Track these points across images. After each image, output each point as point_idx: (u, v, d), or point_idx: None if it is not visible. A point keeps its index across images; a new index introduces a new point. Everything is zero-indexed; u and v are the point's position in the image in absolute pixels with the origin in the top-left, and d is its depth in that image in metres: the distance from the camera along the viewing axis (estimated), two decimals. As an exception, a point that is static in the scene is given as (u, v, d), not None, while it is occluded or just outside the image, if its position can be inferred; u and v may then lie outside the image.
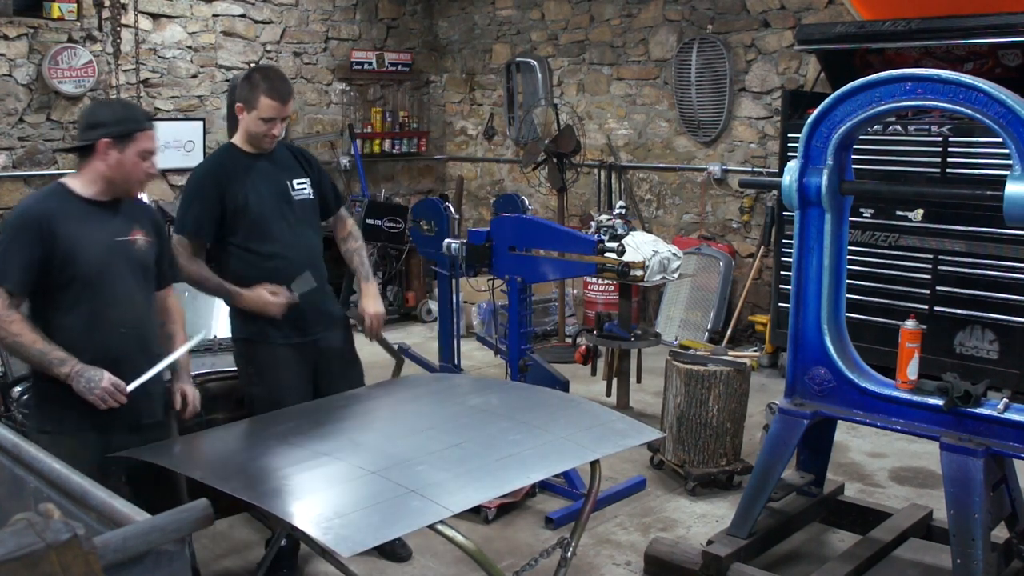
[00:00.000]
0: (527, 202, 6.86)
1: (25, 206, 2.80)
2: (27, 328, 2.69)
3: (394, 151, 9.28)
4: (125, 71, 7.24)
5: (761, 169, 7.15)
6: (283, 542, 3.58)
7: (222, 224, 3.37)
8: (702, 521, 4.20)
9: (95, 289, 2.77)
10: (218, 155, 3.52)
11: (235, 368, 3.61)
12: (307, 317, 3.45)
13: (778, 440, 3.51)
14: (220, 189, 3.34)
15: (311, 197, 3.53)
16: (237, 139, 3.47)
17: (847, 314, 3.52)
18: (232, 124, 8.09)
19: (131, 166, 2.82)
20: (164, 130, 7.68)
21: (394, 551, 3.74)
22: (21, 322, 2.69)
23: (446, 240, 4.98)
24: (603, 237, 4.96)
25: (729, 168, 7.42)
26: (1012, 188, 2.87)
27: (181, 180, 7.93)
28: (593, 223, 6.17)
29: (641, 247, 5.49)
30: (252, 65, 3.73)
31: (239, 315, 3.46)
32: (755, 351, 6.73)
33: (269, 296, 3.32)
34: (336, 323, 3.64)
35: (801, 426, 3.45)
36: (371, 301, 3.61)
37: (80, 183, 2.86)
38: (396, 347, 4.20)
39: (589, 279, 7.17)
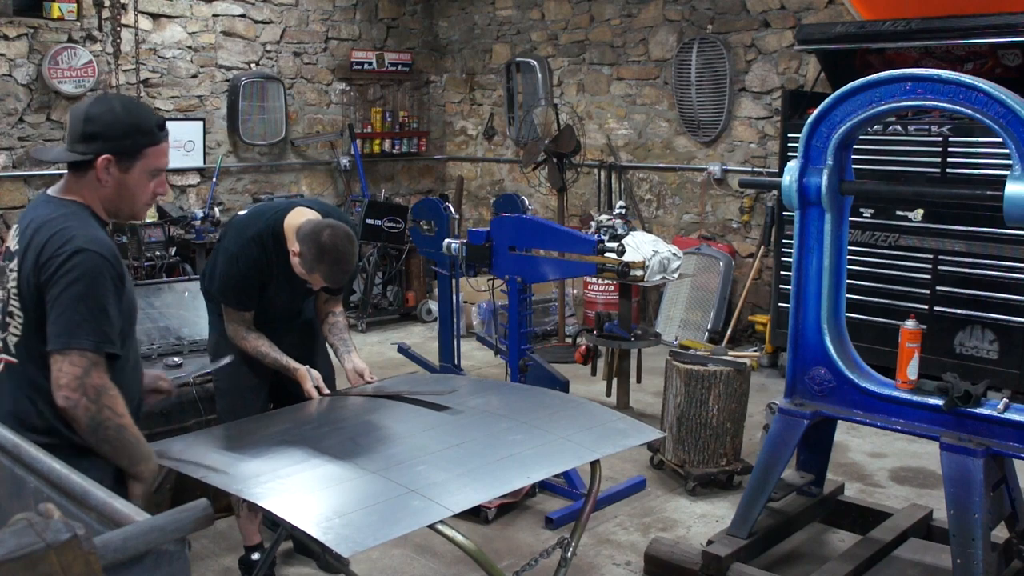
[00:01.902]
0: (527, 202, 6.87)
1: (99, 239, 2.24)
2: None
3: (394, 151, 9.28)
4: (125, 71, 7.24)
5: (761, 169, 7.15)
6: (255, 555, 3.59)
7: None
8: (702, 521, 4.20)
9: None
10: (263, 243, 3.28)
11: (210, 368, 3.58)
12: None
13: (778, 440, 3.51)
14: (262, 279, 3.30)
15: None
16: (287, 233, 3.26)
17: (847, 314, 3.52)
18: (233, 124, 8.12)
19: (136, 188, 2.32)
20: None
21: (329, 564, 3.72)
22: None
23: (446, 240, 4.98)
24: (603, 237, 4.96)
25: (729, 168, 7.42)
26: (1012, 188, 2.87)
27: (181, 180, 7.95)
28: (593, 223, 6.17)
29: (641, 247, 5.49)
30: (322, 217, 3.35)
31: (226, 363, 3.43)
32: (755, 351, 6.73)
33: (312, 388, 3.27)
34: (329, 381, 3.59)
35: (801, 426, 3.45)
36: (357, 358, 3.52)
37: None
38: (396, 347, 4.20)
39: (589, 279, 7.17)
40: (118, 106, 2.32)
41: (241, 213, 3.50)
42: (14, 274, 2.26)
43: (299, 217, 3.21)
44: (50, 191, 2.35)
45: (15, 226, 2.37)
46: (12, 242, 2.31)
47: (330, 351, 3.60)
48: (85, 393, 2.16)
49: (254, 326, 3.36)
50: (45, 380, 2.21)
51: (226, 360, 3.26)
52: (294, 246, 3.13)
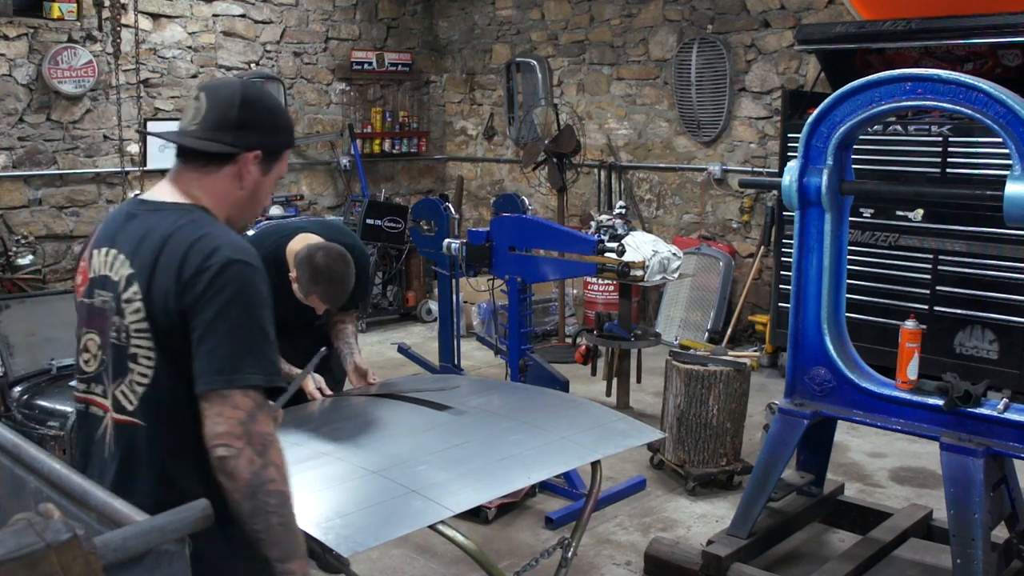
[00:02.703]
0: (527, 202, 6.87)
1: (246, 246, 1.83)
2: None
3: (394, 151, 9.28)
4: (125, 71, 7.25)
5: (761, 169, 7.15)
6: None
7: None
8: (702, 521, 4.20)
9: None
10: (273, 264, 3.21)
11: None
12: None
13: (778, 440, 3.51)
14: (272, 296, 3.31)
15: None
16: (288, 258, 3.25)
17: (847, 314, 3.52)
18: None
19: (266, 195, 1.98)
20: (164, 130, 7.72)
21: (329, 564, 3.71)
22: None
23: (446, 240, 4.98)
24: (603, 237, 4.96)
25: (729, 168, 7.42)
26: (1012, 188, 2.87)
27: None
28: (593, 223, 6.17)
29: (641, 247, 5.49)
30: (313, 238, 3.26)
31: None
32: (755, 351, 6.73)
33: (315, 390, 3.27)
34: (340, 384, 3.62)
35: (801, 426, 3.45)
36: (360, 359, 3.52)
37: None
38: (396, 347, 4.20)
39: (589, 279, 7.17)
40: (268, 95, 1.97)
41: (249, 232, 3.49)
42: (135, 304, 1.76)
43: (301, 243, 3.21)
44: (147, 196, 1.91)
45: (104, 249, 1.85)
46: (112, 267, 1.81)
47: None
48: (250, 442, 1.66)
49: None
50: (185, 440, 1.73)
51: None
52: (292, 271, 3.14)
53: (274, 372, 1.75)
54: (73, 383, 1.96)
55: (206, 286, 1.70)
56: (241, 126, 1.84)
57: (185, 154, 1.86)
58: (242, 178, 1.87)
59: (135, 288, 1.76)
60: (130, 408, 1.77)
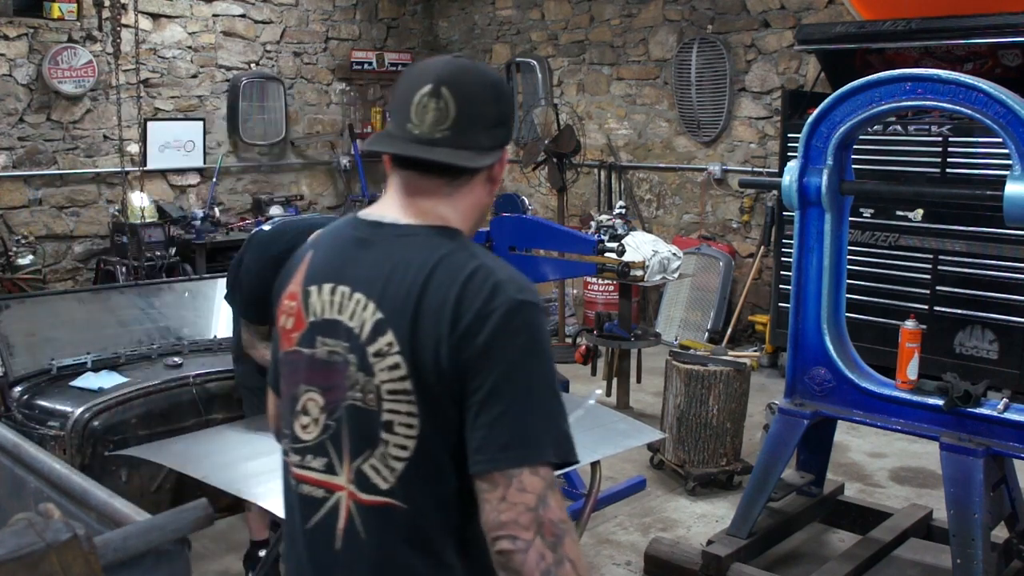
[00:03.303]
0: (527, 202, 6.87)
1: (525, 279, 1.45)
2: None
3: (394, 151, 9.27)
4: (125, 71, 7.23)
5: (761, 169, 7.15)
6: (261, 552, 3.60)
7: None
8: (702, 521, 4.19)
9: None
10: (281, 261, 3.34)
11: (234, 368, 3.62)
12: None
13: (778, 440, 3.51)
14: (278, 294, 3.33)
15: None
16: None
17: (847, 314, 3.52)
18: (233, 124, 8.12)
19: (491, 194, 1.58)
20: (164, 130, 7.73)
21: None
22: None
23: (446, 240, 4.97)
24: (603, 237, 4.97)
25: (729, 168, 7.42)
26: (1012, 188, 2.87)
27: (181, 180, 7.95)
28: (593, 223, 6.18)
29: (641, 247, 5.49)
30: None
31: (246, 363, 3.46)
32: (755, 351, 6.73)
33: None
34: None
35: (801, 426, 3.45)
36: None
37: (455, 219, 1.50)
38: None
39: (589, 279, 7.17)
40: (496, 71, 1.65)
41: (265, 228, 3.51)
42: (392, 359, 1.39)
43: None
44: (374, 216, 1.52)
45: (329, 287, 1.47)
46: (344, 309, 1.45)
47: None
48: (540, 532, 1.30)
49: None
50: (452, 525, 1.42)
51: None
52: None
53: (571, 447, 1.37)
54: (283, 437, 1.56)
55: (490, 336, 1.34)
56: (501, 123, 1.49)
57: (422, 164, 1.47)
58: (494, 182, 1.53)
59: (389, 339, 1.38)
60: (384, 487, 1.39)
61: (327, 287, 1.47)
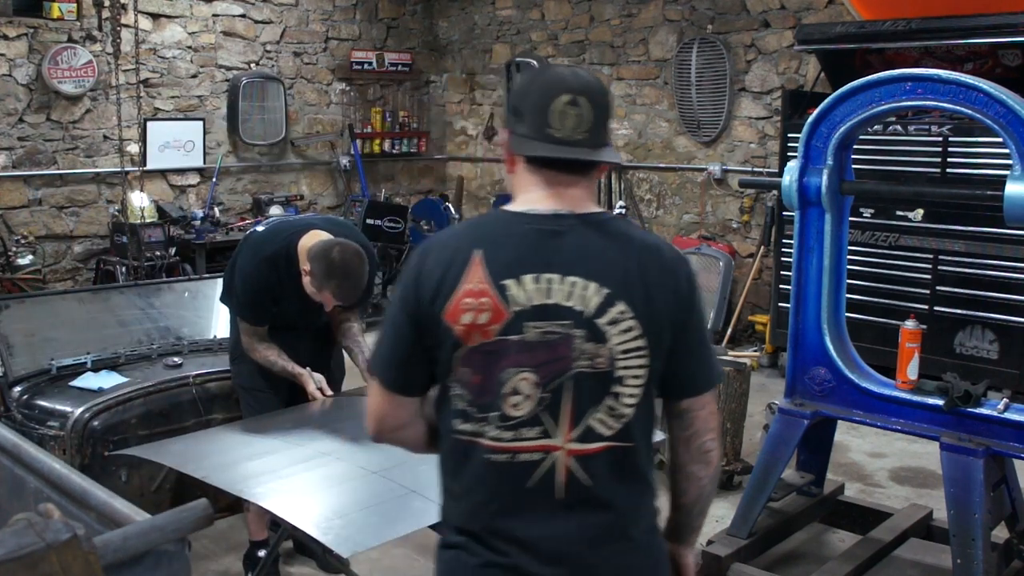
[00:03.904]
0: (527, 202, 6.86)
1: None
2: None
3: (394, 151, 9.28)
4: (125, 71, 7.23)
5: (761, 169, 7.15)
6: (261, 552, 3.60)
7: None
8: (702, 521, 4.19)
9: None
10: (275, 264, 3.29)
11: (231, 368, 3.62)
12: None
13: (778, 440, 3.51)
14: (275, 298, 3.32)
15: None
16: (300, 254, 3.27)
17: (847, 314, 3.52)
18: (233, 124, 8.12)
19: None
20: (164, 130, 7.73)
21: (329, 563, 3.71)
22: None
23: (446, 240, 4.97)
24: (603, 237, 4.96)
25: (729, 168, 7.42)
26: (1012, 188, 2.87)
27: (180, 180, 7.95)
28: (593, 223, 6.18)
29: (641, 247, 5.48)
30: (330, 238, 3.19)
31: (243, 363, 3.47)
32: (755, 351, 6.73)
33: (316, 390, 3.30)
34: (338, 384, 3.63)
35: (801, 426, 3.45)
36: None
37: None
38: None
39: (589, 279, 7.16)
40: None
41: (259, 229, 3.51)
42: (625, 323, 1.65)
43: (313, 239, 3.22)
44: (539, 210, 1.69)
45: (535, 276, 1.64)
46: (559, 293, 1.64)
47: (344, 354, 3.63)
48: (718, 434, 1.85)
49: (272, 329, 3.39)
50: (650, 452, 1.79)
51: None
52: (305, 265, 3.15)
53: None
54: (458, 423, 1.68)
55: (690, 293, 1.75)
56: (610, 122, 1.76)
57: (565, 162, 1.68)
58: (602, 170, 1.82)
59: (621, 307, 1.64)
60: (608, 434, 1.66)
61: (528, 278, 1.64)
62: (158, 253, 6.68)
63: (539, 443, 1.65)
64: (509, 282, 1.63)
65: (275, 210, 7.81)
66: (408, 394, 1.74)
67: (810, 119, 3.34)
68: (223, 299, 3.51)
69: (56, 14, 7.06)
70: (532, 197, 1.69)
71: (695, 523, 1.88)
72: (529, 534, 1.65)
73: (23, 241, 6.95)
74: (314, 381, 3.29)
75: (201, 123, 7.98)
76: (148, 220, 6.92)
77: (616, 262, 1.66)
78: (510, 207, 1.71)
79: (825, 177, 3.31)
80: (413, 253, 1.76)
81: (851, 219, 3.58)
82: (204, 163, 8.03)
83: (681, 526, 1.87)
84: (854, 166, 3.48)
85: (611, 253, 1.67)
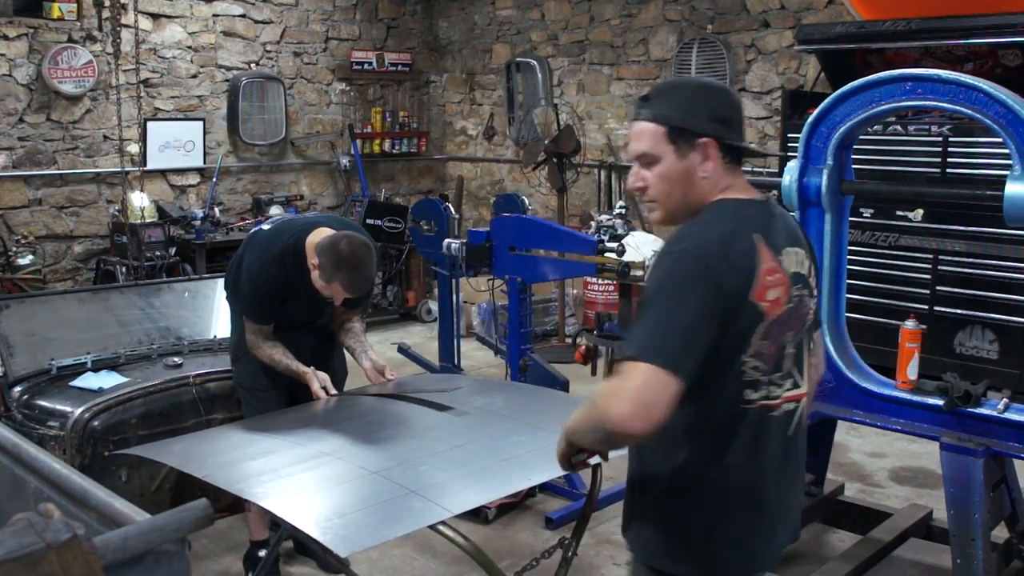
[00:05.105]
0: (527, 202, 6.86)
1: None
2: None
3: (394, 151, 9.28)
4: (125, 71, 7.23)
5: (761, 169, 7.15)
6: (261, 552, 3.60)
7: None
8: (702, 521, 4.19)
9: None
10: (283, 262, 3.29)
11: (232, 368, 3.62)
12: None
13: (778, 440, 3.50)
14: (281, 296, 3.33)
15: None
16: (308, 250, 3.26)
17: (847, 314, 3.52)
18: (233, 124, 8.12)
19: None
20: (164, 130, 7.73)
21: (328, 563, 3.71)
22: None
23: (446, 240, 4.97)
24: (603, 237, 4.95)
25: (729, 168, 7.40)
26: (1012, 188, 2.87)
27: (181, 180, 7.95)
28: (593, 223, 6.15)
29: (641, 247, 5.47)
30: (339, 229, 3.23)
31: (244, 364, 3.47)
32: (755, 351, 6.72)
33: (319, 389, 3.29)
34: (340, 383, 3.64)
35: (801, 426, 3.44)
36: (376, 355, 3.56)
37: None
38: (396, 347, 4.21)
39: (589, 279, 7.16)
40: None
41: (265, 227, 3.50)
42: (812, 281, 2.02)
43: (319, 236, 3.22)
44: (742, 195, 1.96)
45: (789, 249, 1.94)
46: (799, 263, 1.96)
47: (346, 353, 3.63)
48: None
49: (276, 328, 3.39)
50: None
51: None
52: (314, 259, 3.15)
53: None
54: (749, 393, 1.88)
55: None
56: None
57: (740, 159, 2.00)
58: None
59: (812, 267, 2.03)
60: (802, 385, 2.00)
61: (787, 251, 1.94)
62: (158, 253, 6.68)
63: (793, 393, 1.94)
64: (782, 257, 1.91)
65: (275, 210, 7.81)
66: (688, 381, 1.76)
67: (810, 119, 3.34)
68: (227, 296, 3.51)
69: (56, 14, 7.06)
70: (738, 187, 1.96)
71: None
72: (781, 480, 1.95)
73: (23, 241, 6.95)
74: (318, 380, 3.29)
75: (201, 123, 7.98)
76: (148, 220, 6.92)
77: (802, 236, 2.03)
78: (729, 196, 1.94)
79: (825, 177, 3.31)
80: (672, 251, 1.86)
81: (851, 219, 3.58)
82: (204, 163, 8.04)
83: None
84: (854, 166, 3.48)
85: (798, 231, 2.03)
